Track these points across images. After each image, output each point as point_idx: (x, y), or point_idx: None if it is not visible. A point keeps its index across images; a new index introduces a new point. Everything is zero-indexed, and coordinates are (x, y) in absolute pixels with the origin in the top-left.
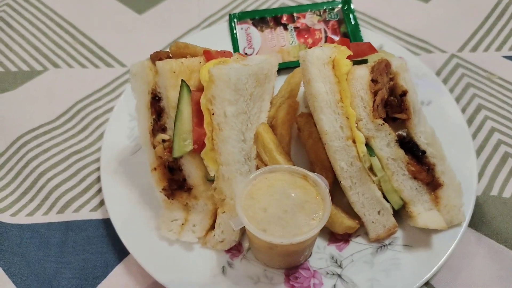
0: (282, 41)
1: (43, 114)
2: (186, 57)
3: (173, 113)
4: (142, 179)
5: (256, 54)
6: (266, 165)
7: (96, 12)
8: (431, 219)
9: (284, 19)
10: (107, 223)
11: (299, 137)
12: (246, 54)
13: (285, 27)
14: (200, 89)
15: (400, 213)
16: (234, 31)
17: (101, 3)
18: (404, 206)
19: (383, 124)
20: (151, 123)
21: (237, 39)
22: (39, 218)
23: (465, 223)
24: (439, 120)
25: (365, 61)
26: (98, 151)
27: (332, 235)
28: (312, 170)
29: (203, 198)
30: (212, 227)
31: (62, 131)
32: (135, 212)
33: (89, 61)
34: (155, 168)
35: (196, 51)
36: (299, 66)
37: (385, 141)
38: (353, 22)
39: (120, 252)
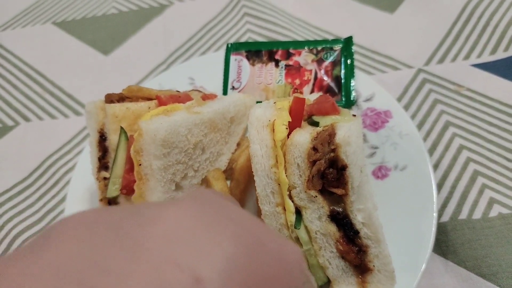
0: (270, 78)
1: (16, 172)
2: (138, 100)
3: (113, 155)
4: None
5: (241, 89)
6: None
7: (62, 57)
8: None
9: (279, 54)
10: None
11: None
12: (233, 87)
13: (277, 63)
14: None
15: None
16: (229, 62)
17: (67, 47)
18: (328, 283)
19: (316, 196)
20: (98, 158)
21: (229, 70)
22: None
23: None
24: (410, 187)
25: (316, 124)
26: None
27: None
28: None
29: None
30: None
31: (35, 189)
32: None
33: (59, 111)
34: (101, 200)
35: (150, 94)
36: None
37: (316, 214)
38: (349, 63)
39: None
